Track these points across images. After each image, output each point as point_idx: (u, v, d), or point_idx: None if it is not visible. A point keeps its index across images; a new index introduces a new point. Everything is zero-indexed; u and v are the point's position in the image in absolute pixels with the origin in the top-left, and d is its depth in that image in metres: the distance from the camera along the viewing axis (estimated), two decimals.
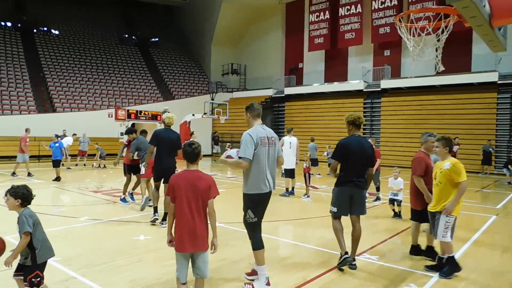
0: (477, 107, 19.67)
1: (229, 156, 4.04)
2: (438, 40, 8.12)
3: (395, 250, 5.67)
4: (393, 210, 7.74)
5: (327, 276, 4.48)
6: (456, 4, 4.81)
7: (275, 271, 4.47)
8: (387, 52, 25.20)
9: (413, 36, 8.28)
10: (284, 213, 8.36)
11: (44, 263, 3.32)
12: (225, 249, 5.38)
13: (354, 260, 4.68)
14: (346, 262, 4.59)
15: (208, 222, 3.39)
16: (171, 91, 30.34)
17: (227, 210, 7.98)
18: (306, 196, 10.12)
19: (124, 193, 8.83)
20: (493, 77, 19.32)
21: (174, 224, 3.35)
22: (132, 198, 8.94)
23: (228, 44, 33.84)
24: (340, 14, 26.59)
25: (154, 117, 25.87)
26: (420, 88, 21.82)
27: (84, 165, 18.05)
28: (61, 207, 8.54)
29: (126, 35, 35.17)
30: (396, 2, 24.06)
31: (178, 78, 32.39)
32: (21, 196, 3.24)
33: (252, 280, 4.15)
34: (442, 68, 8.80)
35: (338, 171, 4.87)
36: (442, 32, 7.84)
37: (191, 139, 10.42)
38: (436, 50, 8.63)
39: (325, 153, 15.76)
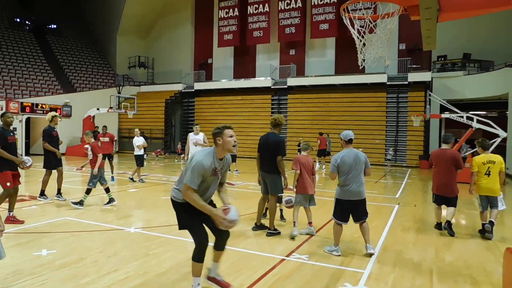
0: (370, 105, 21.82)
1: None
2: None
3: (323, 247, 5.48)
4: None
5: (263, 283, 4.16)
6: None
7: (208, 282, 3.85)
8: (292, 52, 26.54)
9: (359, 33, 8.22)
10: None
11: None
12: (147, 259, 4.79)
13: None
14: None
15: None
16: (72, 83, 28.31)
17: (143, 213, 7.89)
18: None
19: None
20: (383, 78, 21.57)
21: None
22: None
23: (136, 36, 32.55)
24: (249, 12, 27.27)
25: (53, 110, 23.96)
26: (322, 87, 23.45)
27: None
28: None
29: (19, 19, 31.71)
30: (300, 4, 25.42)
31: (81, 69, 30.30)
32: None
33: None
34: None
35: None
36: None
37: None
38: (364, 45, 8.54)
39: None
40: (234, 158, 14.99)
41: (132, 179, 11.90)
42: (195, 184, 3.35)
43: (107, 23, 33.06)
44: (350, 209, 5.19)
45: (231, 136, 3.50)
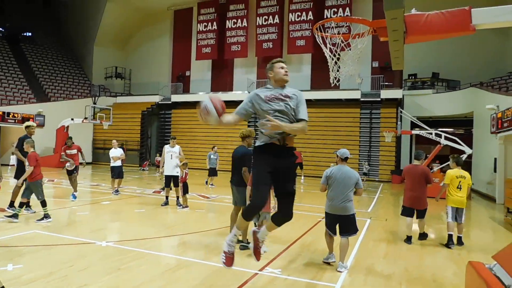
0: (345, 120, 22.37)
1: None
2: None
3: (295, 261, 5.61)
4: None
5: None
6: (389, 12, 5.23)
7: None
8: None
9: (332, 51, 8.41)
10: (179, 227, 7.91)
11: None
12: (119, 274, 4.75)
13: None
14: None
15: None
16: (46, 92, 27.79)
17: (116, 226, 7.79)
18: (181, 206, 9.74)
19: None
20: (356, 94, 22.18)
21: None
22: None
23: (113, 46, 32.32)
24: (227, 26, 27.62)
25: (26, 120, 23.42)
26: None
27: None
28: None
29: None
30: (278, 21, 25.97)
31: (55, 78, 29.78)
32: None
33: None
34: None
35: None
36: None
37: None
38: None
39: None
40: (214, 172, 15.01)
41: (117, 191, 11.86)
42: (239, 110, 3.58)
43: (84, 33, 32.72)
44: (335, 223, 5.40)
45: (282, 68, 3.65)
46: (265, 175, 3.46)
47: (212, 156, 14.90)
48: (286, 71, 3.66)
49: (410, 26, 7.02)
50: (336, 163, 5.69)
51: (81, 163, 11.36)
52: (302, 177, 18.23)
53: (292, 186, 3.64)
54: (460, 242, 6.96)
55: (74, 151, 11.09)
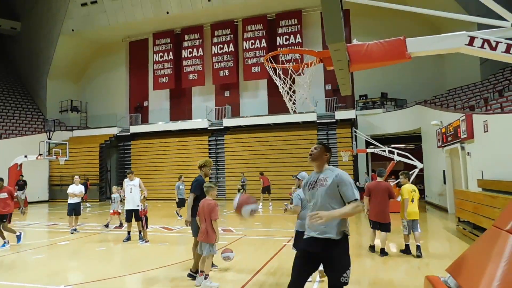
0: (303, 142, 22.96)
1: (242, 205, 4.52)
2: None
3: (263, 286, 5.70)
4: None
5: None
6: (332, 45, 5.57)
7: None
8: (227, 93, 27.42)
9: (282, 79, 8.71)
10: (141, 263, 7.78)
11: None
12: None
13: None
14: None
15: None
16: None
17: (75, 267, 7.55)
18: (143, 241, 9.60)
19: None
20: (312, 117, 22.94)
21: None
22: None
23: (68, 79, 31.69)
24: (183, 56, 27.95)
25: None
26: (257, 126, 24.33)
27: None
28: None
29: None
30: (233, 49, 26.63)
31: (6, 114, 28.66)
32: None
33: None
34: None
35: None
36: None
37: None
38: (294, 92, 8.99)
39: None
40: (183, 202, 14.45)
41: (75, 230, 11.54)
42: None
43: (37, 66, 31.94)
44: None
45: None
46: None
47: (180, 187, 14.59)
48: (310, 152, 3.75)
49: (353, 55, 7.57)
50: (298, 186, 6.00)
51: (20, 209, 10.74)
52: (270, 203, 18.04)
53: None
54: (419, 250, 7.54)
55: (4, 195, 9.32)
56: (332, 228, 3.37)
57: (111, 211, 12.43)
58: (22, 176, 21.44)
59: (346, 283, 3.26)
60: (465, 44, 6.05)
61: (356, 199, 3.35)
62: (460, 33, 6.04)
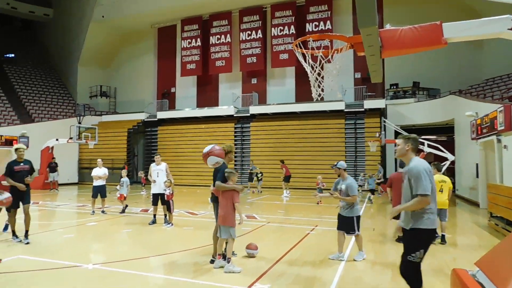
0: (330, 131, 22.61)
1: None
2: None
3: (283, 276, 5.60)
4: None
5: None
6: (364, 29, 5.41)
7: None
8: (254, 80, 27.25)
9: (311, 65, 8.43)
10: (165, 245, 7.79)
11: None
12: None
13: None
14: None
15: None
16: (30, 113, 27.55)
17: (103, 248, 7.68)
18: (169, 224, 9.76)
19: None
20: (340, 106, 22.50)
21: None
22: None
23: (97, 65, 32.34)
24: (211, 42, 27.90)
25: (9, 142, 23.11)
26: (283, 114, 24.10)
27: None
28: None
29: None
30: (261, 35, 26.35)
31: (39, 99, 29.60)
32: None
33: None
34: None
35: None
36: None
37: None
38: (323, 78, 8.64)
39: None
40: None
41: (103, 211, 11.82)
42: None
43: (68, 52, 32.76)
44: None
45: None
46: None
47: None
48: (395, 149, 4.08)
49: (385, 41, 7.20)
50: (338, 176, 6.70)
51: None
52: (286, 191, 17.86)
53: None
54: (443, 240, 7.51)
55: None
56: None
57: (118, 195, 12.36)
58: (54, 158, 22.11)
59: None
60: (508, 29, 5.63)
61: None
62: (503, 16, 5.65)
